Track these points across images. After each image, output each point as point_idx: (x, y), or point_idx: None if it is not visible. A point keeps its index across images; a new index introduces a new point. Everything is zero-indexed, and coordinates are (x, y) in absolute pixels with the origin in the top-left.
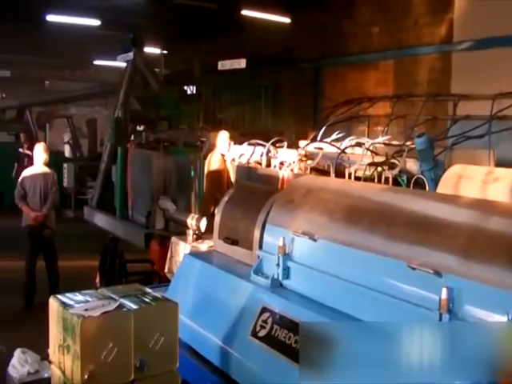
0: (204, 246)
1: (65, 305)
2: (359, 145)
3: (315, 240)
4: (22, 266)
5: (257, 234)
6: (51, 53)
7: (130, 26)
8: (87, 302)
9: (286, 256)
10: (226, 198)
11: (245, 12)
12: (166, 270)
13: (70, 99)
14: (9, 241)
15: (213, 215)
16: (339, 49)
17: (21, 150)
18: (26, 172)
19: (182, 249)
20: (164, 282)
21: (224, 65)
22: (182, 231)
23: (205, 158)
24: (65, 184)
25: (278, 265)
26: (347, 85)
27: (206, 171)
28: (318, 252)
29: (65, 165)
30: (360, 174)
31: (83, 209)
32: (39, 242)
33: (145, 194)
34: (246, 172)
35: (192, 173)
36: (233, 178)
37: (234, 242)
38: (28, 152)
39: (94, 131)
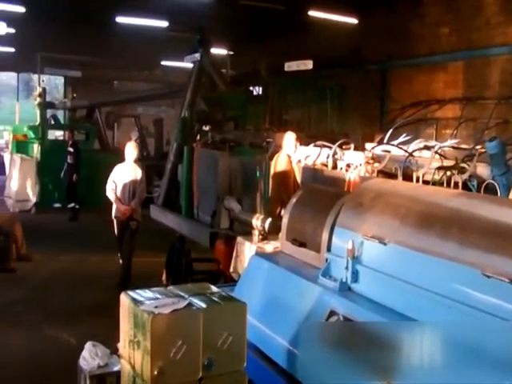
0: (269, 246)
1: (136, 301)
2: (427, 148)
3: (385, 244)
4: (94, 260)
5: (325, 236)
6: (120, 54)
7: (198, 27)
8: (157, 299)
9: (355, 259)
10: (293, 200)
11: (312, 13)
12: (231, 270)
13: (137, 99)
14: (84, 236)
15: (279, 216)
16: (406, 50)
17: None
18: (118, 167)
19: (247, 249)
20: (229, 281)
21: (290, 66)
22: (247, 231)
23: (271, 159)
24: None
25: (346, 268)
26: (414, 86)
27: (272, 172)
28: (388, 256)
29: None
30: (428, 177)
31: (149, 207)
32: (125, 232)
33: (210, 193)
34: (312, 174)
35: (257, 173)
36: (299, 180)
37: (302, 244)
38: (70, 149)
39: (161, 131)
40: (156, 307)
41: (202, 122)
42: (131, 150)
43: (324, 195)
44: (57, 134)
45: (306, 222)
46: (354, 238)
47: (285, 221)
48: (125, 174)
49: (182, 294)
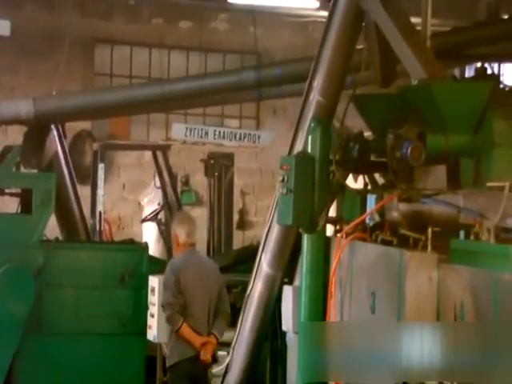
0: None
1: None
2: None
3: None
4: None
5: None
6: None
7: None
8: None
9: None
10: None
11: None
12: None
13: (163, 100)
14: None
15: None
16: None
17: None
18: (178, 264)
19: None
20: None
21: None
22: None
23: None
24: (152, 336)
25: None
26: None
27: None
28: None
29: (153, 281)
30: None
31: None
32: None
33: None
34: None
35: None
36: None
37: None
38: None
39: (230, 190)
40: None
41: (350, 167)
42: (187, 225)
43: None
44: None
45: None
46: None
47: None
48: (195, 275)
49: None
